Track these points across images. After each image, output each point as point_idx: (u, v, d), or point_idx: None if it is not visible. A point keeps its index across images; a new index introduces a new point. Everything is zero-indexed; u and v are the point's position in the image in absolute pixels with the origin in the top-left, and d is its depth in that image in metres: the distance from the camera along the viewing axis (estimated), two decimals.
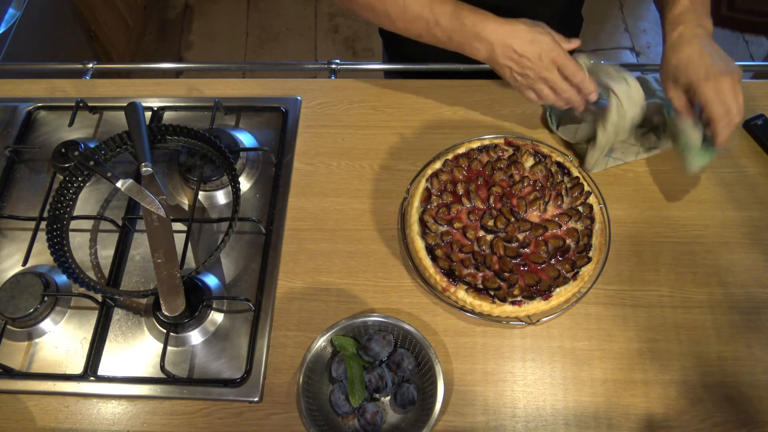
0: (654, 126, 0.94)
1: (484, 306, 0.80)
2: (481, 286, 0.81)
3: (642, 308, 0.85)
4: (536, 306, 0.80)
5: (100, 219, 0.93)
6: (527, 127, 1.00)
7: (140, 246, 0.93)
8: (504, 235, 0.85)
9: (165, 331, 0.83)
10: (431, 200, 0.88)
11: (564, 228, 0.87)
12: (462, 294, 0.80)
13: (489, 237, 0.86)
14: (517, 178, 0.90)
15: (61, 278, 0.90)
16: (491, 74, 1.04)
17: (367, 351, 0.78)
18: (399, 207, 0.93)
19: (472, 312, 0.82)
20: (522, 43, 0.79)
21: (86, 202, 0.97)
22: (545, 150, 0.92)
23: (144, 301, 0.88)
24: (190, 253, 0.91)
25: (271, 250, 0.90)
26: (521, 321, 0.83)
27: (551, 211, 0.88)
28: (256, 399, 0.80)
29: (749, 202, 0.92)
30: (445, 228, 0.86)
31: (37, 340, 0.86)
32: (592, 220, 0.87)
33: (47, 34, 1.84)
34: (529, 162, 0.91)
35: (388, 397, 0.80)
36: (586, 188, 0.89)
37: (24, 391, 0.82)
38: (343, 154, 0.99)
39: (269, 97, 1.06)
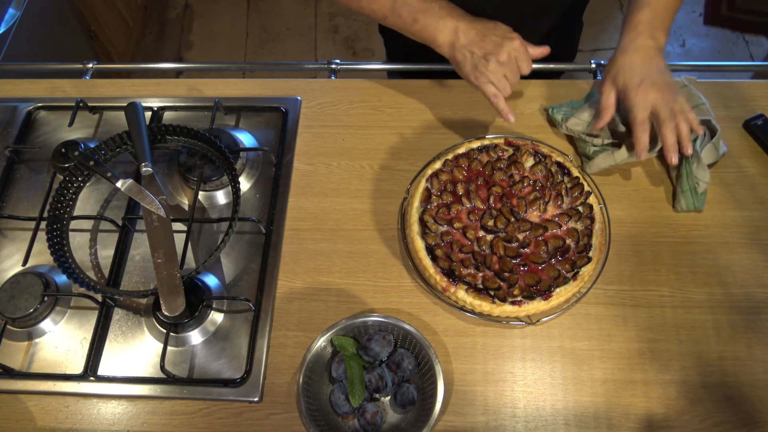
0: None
1: (484, 306, 0.80)
2: (481, 286, 0.81)
3: (642, 308, 0.85)
4: (536, 306, 0.80)
5: (100, 219, 0.93)
6: (527, 127, 1.00)
7: (140, 246, 0.93)
8: (504, 235, 0.85)
9: (165, 331, 0.83)
10: (431, 200, 0.88)
11: (564, 228, 0.87)
12: (462, 294, 0.80)
13: (489, 237, 0.86)
14: (517, 178, 0.90)
15: (61, 278, 0.90)
16: None
17: (367, 351, 0.78)
18: (399, 207, 0.93)
19: (472, 312, 0.82)
20: (485, 25, 0.82)
21: (86, 202, 0.97)
22: (545, 150, 0.92)
23: (144, 301, 0.88)
24: (190, 253, 0.91)
25: (271, 250, 0.90)
26: (521, 321, 0.83)
27: (551, 211, 0.88)
28: (256, 399, 0.80)
29: (749, 202, 0.92)
30: (445, 228, 0.86)
31: (37, 340, 0.86)
32: (592, 220, 0.86)
33: (47, 34, 1.84)
34: (529, 162, 0.91)
35: (388, 397, 0.80)
36: (586, 188, 0.89)
37: (24, 391, 0.82)
38: (343, 154, 0.99)
39: (269, 97, 1.06)
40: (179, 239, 0.87)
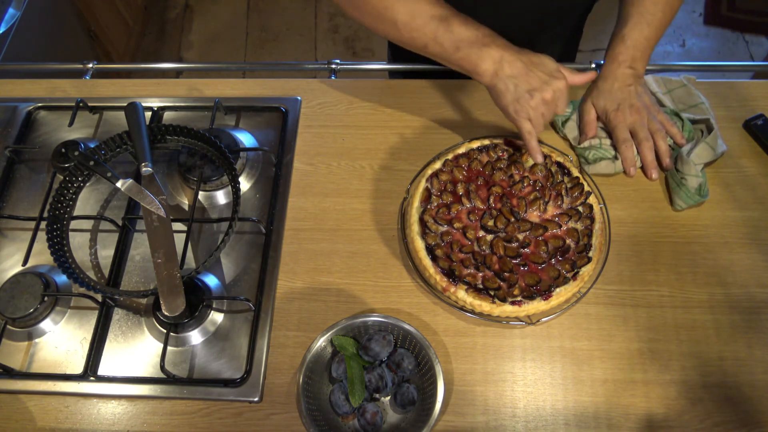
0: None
1: (484, 306, 0.80)
2: (481, 286, 0.81)
3: (642, 308, 0.85)
4: (536, 306, 0.80)
5: (100, 219, 0.93)
6: None
7: (140, 246, 0.93)
8: (504, 235, 0.85)
9: (165, 331, 0.83)
10: (431, 200, 0.88)
11: (564, 228, 0.87)
12: (462, 294, 0.80)
13: (489, 237, 0.86)
14: (517, 178, 0.90)
15: (61, 278, 0.90)
16: None
17: (367, 351, 0.78)
18: (399, 207, 0.93)
19: (472, 312, 0.82)
20: (530, 58, 0.79)
21: (86, 202, 0.97)
22: (545, 150, 0.92)
23: (144, 301, 0.88)
24: (190, 253, 0.91)
25: (271, 250, 0.90)
26: (521, 321, 0.83)
27: (551, 211, 0.88)
28: (256, 399, 0.80)
29: (749, 202, 0.92)
30: (445, 228, 0.86)
31: (37, 340, 0.86)
32: (592, 220, 0.87)
33: (47, 34, 1.84)
34: (529, 162, 0.91)
35: (388, 397, 0.80)
36: (586, 188, 0.89)
37: (24, 391, 0.82)
38: (343, 154, 0.99)
39: (269, 97, 1.06)
40: (179, 239, 0.87)
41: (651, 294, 0.85)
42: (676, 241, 0.89)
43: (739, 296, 0.85)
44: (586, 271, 0.82)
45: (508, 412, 0.79)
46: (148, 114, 1.03)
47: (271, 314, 0.86)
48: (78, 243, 0.93)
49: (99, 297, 0.87)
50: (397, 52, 1.24)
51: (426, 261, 0.83)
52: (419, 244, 0.84)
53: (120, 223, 0.93)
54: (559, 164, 0.91)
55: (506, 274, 0.82)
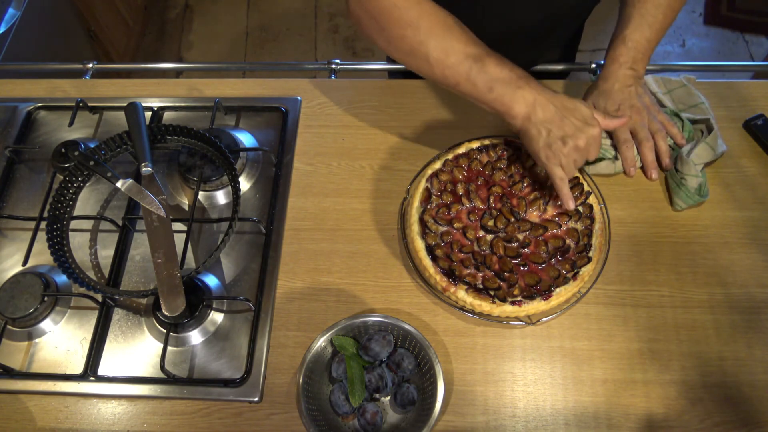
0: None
1: (484, 306, 0.80)
2: (481, 286, 0.81)
3: (642, 308, 0.85)
4: (536, 306, 0.80)
5: (100, 219, 0.93)
6: None
7: (140, 246, 0.93)
8: (504, 235, 0.85)
9: (165, 331, 0.83)
10: (431, 200, 0.88)
11: (564, 228, 0.87)
12: (462, 294, 0.80)
13: (489, 237, 0.86)
14: (517, 178, 0.90)
15: (61, 278, 0.90)
16: None
17: (367, 351, 0.78)
18: (399, 207, 0.93)
19: (472, 312, 0.82)
20: (564, 104, 0.77)
21: (86, 202, 0.97)
22: None
23: (144, 301, 0.88)
24: (190, 253, 0.91)
25: (271, 250, 0.90)
26: (521, 321, 0.83)
27: (551, 211, 0.88)
28: (256, 399, 0.80)
29: (749, 202, 0.92)
30: (445, 228, 0.86)
31: (37, 340, 0.86)
32: (592, 220, 0.87)
33: (47, 34, 1.84)
34: (529, 162, 0.91)
35: (388, 397, 0.80)
36: (586, 188, 0.89)
37: (24, 391, 0.82)
38: (343, 154, 0.99)
39: (269, 97, 1.06)
40: (179, 239, 0.87)
41: (651, 294, 0.85)
42: (676, 241, 0.89)
43: (739, 296, 0.85)
44: (586, 271, 0.82)
45: (508, 412, 0.79)
46: (148, 114, 1.03)
47: (271, 314, 0.86)
48: (78, 243, 0.93)
49: (99, 297, 0.87)
50: None
51: (426, 261, 0.83)
52: (419, 244, 0.84)
53: (120, 223, 0.93)
54: None
55: (506, 274, 0.82)
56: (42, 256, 0.91)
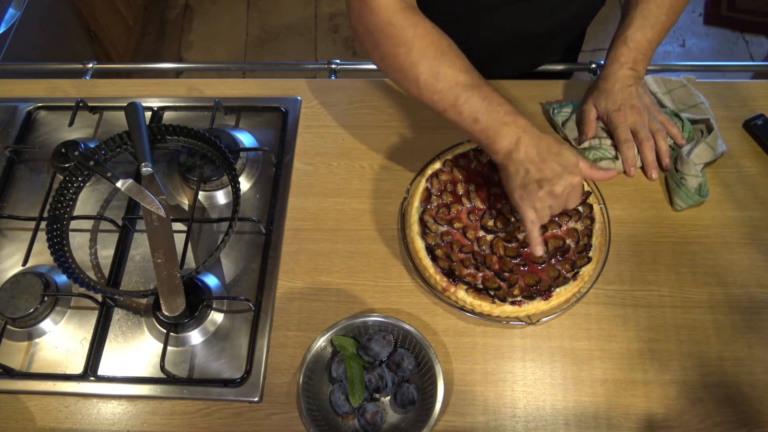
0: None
1: (484, 306, 0.80)
2: (481, 286, 0.81)
3: (642, 308, 0.85)
4: (536, 306, 0.80)
5: (100, 219, 0.93)
6: None
7: (140, 246, 0.93)
8: (504, 235, 0.85)
9: (165, 331, 0.83)
10: (431, 200, 0.88)
11: (564, 228, 0.87)
12: (462, 294, 0.80)
13: (489, 237, 0.86)
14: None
15: (61, 278, 0.90)
16: (490, 73, 1.04)
17: (367, 351, 0.78)
18: (399, 207, 0.93)
19: (472, 312, 0.82)
20: (549, 146, 0.75)
21: (86, 202, 0.97)
22: None
23: (144, 301, 0.88)
24: (190, 253, 0.91)
25: (271, 250, 0.90)
26: (521, 321, 0.83)
27: None
28: (256, 399, 0.80)
29: (749, 202, 0.92)
30: (445, 228, 0.86)
31: (37, 340, 0.86)
32: (592, 220, 0.87)
33: (47, 34, 1.84)
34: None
35: (388, 397, 0.80)
36: (586, 188, 0.89)
37: (24, 391, 0.82)
38: (343, 154, 0.99)
39: (269, 97, 1.06)
40: (179, 239, 0.87)
41: (651, 294, 0.85)
42: (676, 241, 0.89)
43: (739, 296, 0.85)
44: (586, 271, 0.82)
45: (508, 412, 0.79)
46: (148, 114, 1.03)
47: (271, 314, 0.86)
48: (78, 243, 0.93)
49: (99, 297, 0.87)
50: None
51: (426, 261, 0.83)
52: (419, 244, 0.84)
53: (120, 223, 0.93)
54: None
55: (506, 274, 0.82)
56: (42, 256, 0.91)
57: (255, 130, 1.03)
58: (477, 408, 0.79)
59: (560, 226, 0.87)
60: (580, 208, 0.87)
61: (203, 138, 0.94)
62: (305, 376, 0.76)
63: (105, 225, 0.94)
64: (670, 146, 0.92)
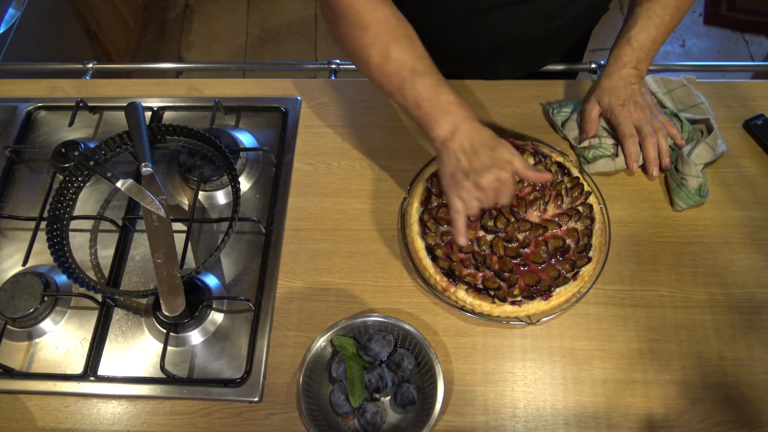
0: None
1: (484, 306, 0.80)
2: (481, 286, 0.81)
3: (642, 308, 0.85)
4: (536, 306, 0.80)
5: (100, 219, 0.93)
6: (527, 127, 1.00)
7: (140, 246, 0.93)
8: (504, 235, 0.86)
9: (165, 331, 0.83)
10: (431, 200, 0.88)
11: (564, 228, 0.87)
12: (462, 294, 0.80)
13: (489, 237, 0.86)
14: (517, 178, 0.90)
15: (61, 278, 0.90)
16: (491, 75, 1.04)
17: (367, 351, 0.78)
18: (399, 207, 0.93)
19: (472, 312, 0.82)
20: (485, 139, 0.76)
21: (86, 202, 0.97)
22: (545, 150, 0.92)
23: (144, 301, 0.88)
24: (190, 253, 0.91)
25: (271, 250, 0.90)
26: (521, 321, 0.83)
27: (551, 211, 0.88)
28: (256, 399, 0.80)
29: (749, 202, 0.92)
30: (445, 228, 0.86)
31: (37, 340, 0.86)
32: (592, 220, 0.87)
33: (47, 34, 1.84)
34: (529, 162, 0.91)
35: (388, 397, 0.80)
36: (586, 188, 0.89)
37: (24, 391, 0.82)
38: (343, 154, 0.99)
39: (269, 97, 1.06)
40: (179, 239, 0.87)
41: (651, 294, 0.85)
42: (676, 241, 0.89)
43: (739, 296, 0.85)
44: (586, 271, 0.82)
45: (508, 412, 0.79)
46: (148, 114, 1.03)
47: (271, 314, 0.86)
48: (78, 243, 0.93)
49: (99, 297, 0.87)
50: None
51: (426, 261, 0.83)
52: (419, 244, 0.84)
53: (120, 223, 0.93)
54: (559, 164, 0.91)
55: (506, 274, 0.82)
56: (42, 256, 0.91)
57: (255, 130, 1.03)
58: (477, 408, 0.79)
59: (560, 226, 0.87)
60: (580, 208, 0.87)
61: (203, 138, 0.94)
62: (305, 376, 0.76)
63: (105, 225, 0.94)
64: (669, 146, 0.92)
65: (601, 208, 0.89)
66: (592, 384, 0.80)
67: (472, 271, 0.83)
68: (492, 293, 0.80)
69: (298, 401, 0.75)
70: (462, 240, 0.78)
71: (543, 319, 0.83)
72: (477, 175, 0.75)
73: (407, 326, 0.78)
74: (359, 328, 0.80)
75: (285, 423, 0.79)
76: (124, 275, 0.91)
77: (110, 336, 0.86)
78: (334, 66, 1.12)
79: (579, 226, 0.86)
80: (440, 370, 0.75)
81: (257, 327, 0.84)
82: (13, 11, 1.66)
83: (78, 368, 0.83)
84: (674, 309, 0.84)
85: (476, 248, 0.85)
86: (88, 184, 0.96)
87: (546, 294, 0.80)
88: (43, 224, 0.90)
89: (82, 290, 0.85)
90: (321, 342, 0.78)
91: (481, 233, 0.86)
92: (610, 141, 0.93)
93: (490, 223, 0.86)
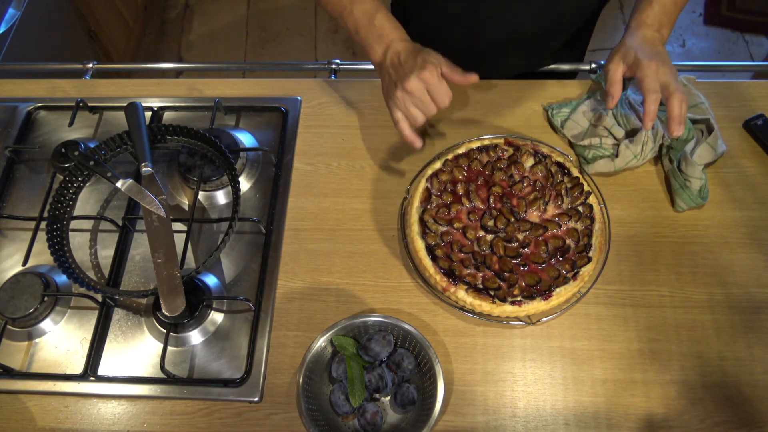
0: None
1: (484, 306, 0.80)
2: (481, 286, 0.81)
3: (642, 308, 0.85)
4: (536, 306, 0.80)
5: (100, 219, 0.93)
6: (527, 127, 1.00)
7: (140, 246, 0.93)
8: (504, 235, 0.85)
9: (165, 331, 0.83)
10: (431, 200, 0.88)
11: (564, 228, 0.87)
12: (462, 294, 0.80)
13: (489, 237, 0.86)
14: (517, 178, 0.90)
15: (61, 278, 0.90)
16: (490, 75, 1.04)
17: (367, 351, 0.78)
18: (399, 207, 0.93)
19: (472, 312, 0.82)
20: (408, 53, 0.81)
21: (86, 202, 0.97)
22: (545, 150, 0.92)
23: (144, 301, 0.88)
24: (190, 253, 0.91)
25: (271, 250, 0.90)
26: (521, 321, 0.83)
27: (551, 211, 0.88)
28: (256, 399, 0.80)
29: (749, 202, 0.92)
30: (445, 228, 0.86)
31: (37, 340, 0.86)
32: (592, 220, 0.87)
33: (47, 34, 1.84)
34: (529, 162, 0.91)
35: (388, 397, 0.80)
36: (586, 188, 0.89)
37: (24, 391, 0.82)
38: (343, 154, 0.99)
39: (269, 97, 1.06)
40: (179, 239, 0.87)
41: (651, 294, 0.85)
42: (676, 241, 0.89)
43: (739, 296, 0.85)
44: (586, 271, 0.82)
45: (508, 412, 0.79)
46: (148, 114, 1.03)
47: (271, 314, 0.86)
48: (78, 243, 0.93)
49: (99, 297, 0.87)
50: None
51: (426, 261, 0.83)
52: (419, 244, 0.84)
53: (120, 223, 0.93)
54: (559, 164, 0.91)
55: (506, 274, 0.82)
56: (42, 256, 0.91)
57: (255, 130, 1.03)
58: (477, 408, 0.79)
59: (560, 226, 0.87)
60: (580, 208, 0.87)
61: (203, 138, 0.94)
62: (305, 376, 0.76)
63: (105, 225, 0.94)
64: (669, 146, 0.92)
65: (601, 208, 0.89)
66: (592, 384, 0.80)
67: (472, 271, 0.83)
68: (492, 293, 0.80)
69: (298, 401, 0.75)
70: (418, 144, 0.84)
71: (543, 319, 0.83)
72: (402, 81, 0.79)
73: (407, 326, 0.78)
74: (359, 328, 0.80)
75: (285, 423, 0.79)
76: (124, 275, 0.91)
77: (110, 336, 0.86)
78: (334, 66, 1.12)
79: (579, 226, 0.86)
80: (440, 370, 0.75)
81: (257, 327, 0.84)
82: (13, 11, 1.66)
83: (78, 368, 0.83)
84: (674, 309, 0.84)
85: (476, 248, 0.85)
86: (88, 184, 0.96)
87: (546, 294, 0.80)
88: (43, 224, 0.90)
89: (82, 290, 0.85)
90: (321, 342, 0.78)
91: (481, 233, 0.86)
92: (610, 141, 0.93)
93: (490, 223, 0.86)
